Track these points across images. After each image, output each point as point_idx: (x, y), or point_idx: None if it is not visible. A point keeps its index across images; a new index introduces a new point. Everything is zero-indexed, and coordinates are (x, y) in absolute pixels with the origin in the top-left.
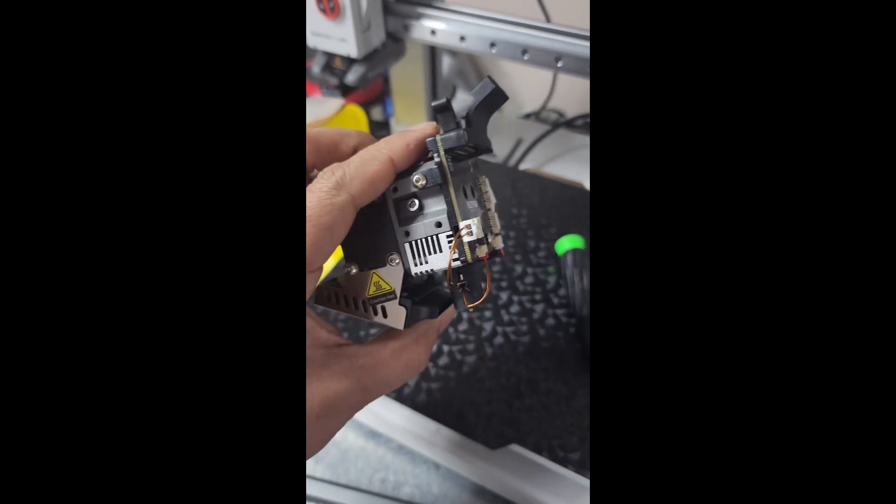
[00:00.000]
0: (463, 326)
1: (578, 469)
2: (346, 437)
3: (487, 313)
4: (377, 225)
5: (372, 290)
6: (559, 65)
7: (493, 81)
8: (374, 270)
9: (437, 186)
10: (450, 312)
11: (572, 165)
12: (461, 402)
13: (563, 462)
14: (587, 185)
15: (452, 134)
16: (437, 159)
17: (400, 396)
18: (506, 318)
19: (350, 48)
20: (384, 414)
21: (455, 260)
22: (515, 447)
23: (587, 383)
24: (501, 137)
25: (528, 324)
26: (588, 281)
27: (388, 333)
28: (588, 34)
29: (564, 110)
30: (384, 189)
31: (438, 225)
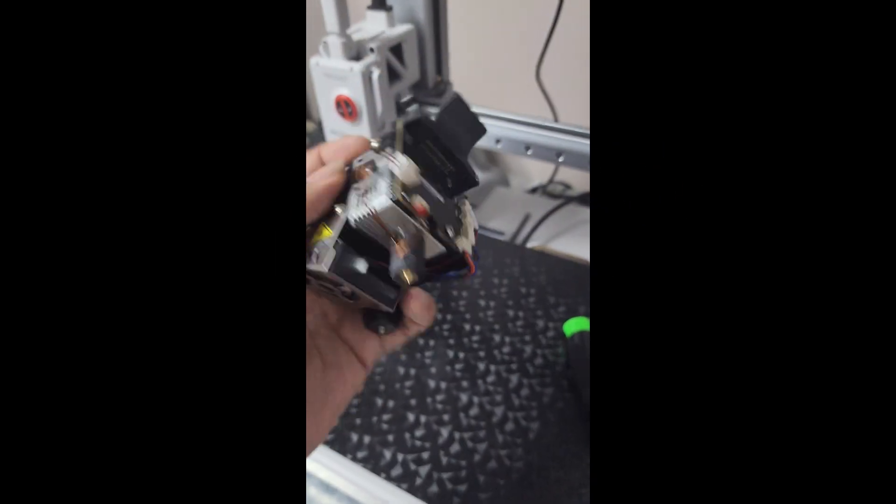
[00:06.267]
0: (474, 412)
1: None
2: None
3: (498, 397)
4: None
5: (314, 239)
6: (560, 160)
7: (459, 97)
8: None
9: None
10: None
11: (580, 241)
12: (473, 492)
13: None
14: None
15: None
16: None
17: (411, 487)
18: (516, 402)
19: None
20: (393, 501)
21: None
22: None
23: None
24: (509, 214)
25: (538, 408)
26: None
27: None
28: (588, 132)
29: (571, 183)
30: (323, 210)
31: (385, 174)
